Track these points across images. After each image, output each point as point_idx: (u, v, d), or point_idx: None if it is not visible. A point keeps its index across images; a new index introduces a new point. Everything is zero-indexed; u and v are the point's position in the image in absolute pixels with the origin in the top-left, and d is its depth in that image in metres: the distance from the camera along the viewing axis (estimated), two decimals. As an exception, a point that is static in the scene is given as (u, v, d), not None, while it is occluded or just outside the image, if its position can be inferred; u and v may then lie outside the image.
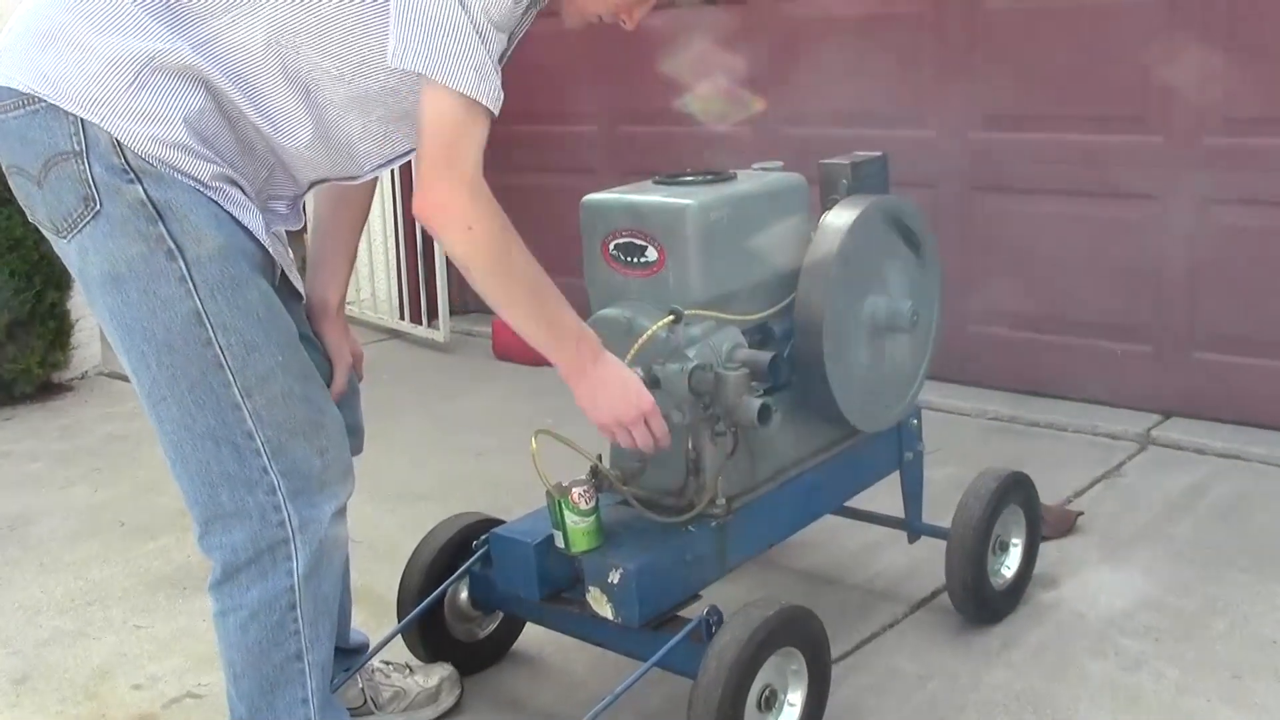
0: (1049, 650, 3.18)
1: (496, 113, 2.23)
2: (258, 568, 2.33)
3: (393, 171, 4.52)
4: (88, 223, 2.20)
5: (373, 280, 6.74)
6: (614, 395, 2.51)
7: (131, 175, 2.18)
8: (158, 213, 2.18)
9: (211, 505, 2.32)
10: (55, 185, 2.21)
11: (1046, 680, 3.05)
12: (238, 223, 2.25)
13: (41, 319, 5.56)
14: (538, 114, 6.36)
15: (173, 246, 2.19)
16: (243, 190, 2.29)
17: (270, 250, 2.32)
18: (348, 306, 6.79)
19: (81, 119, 2.17)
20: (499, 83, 2.21)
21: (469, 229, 2.24)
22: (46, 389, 5.77)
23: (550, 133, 6.36)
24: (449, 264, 6.35)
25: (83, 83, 2.17)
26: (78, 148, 2.18)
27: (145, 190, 2.18)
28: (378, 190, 2.84)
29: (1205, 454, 4.44)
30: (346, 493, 2.43)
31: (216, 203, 2.23)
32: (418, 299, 6.53)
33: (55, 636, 3.50)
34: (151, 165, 2.18)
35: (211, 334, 2.22)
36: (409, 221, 6.45)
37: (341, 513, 2.41)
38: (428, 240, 6.35)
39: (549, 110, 6.31)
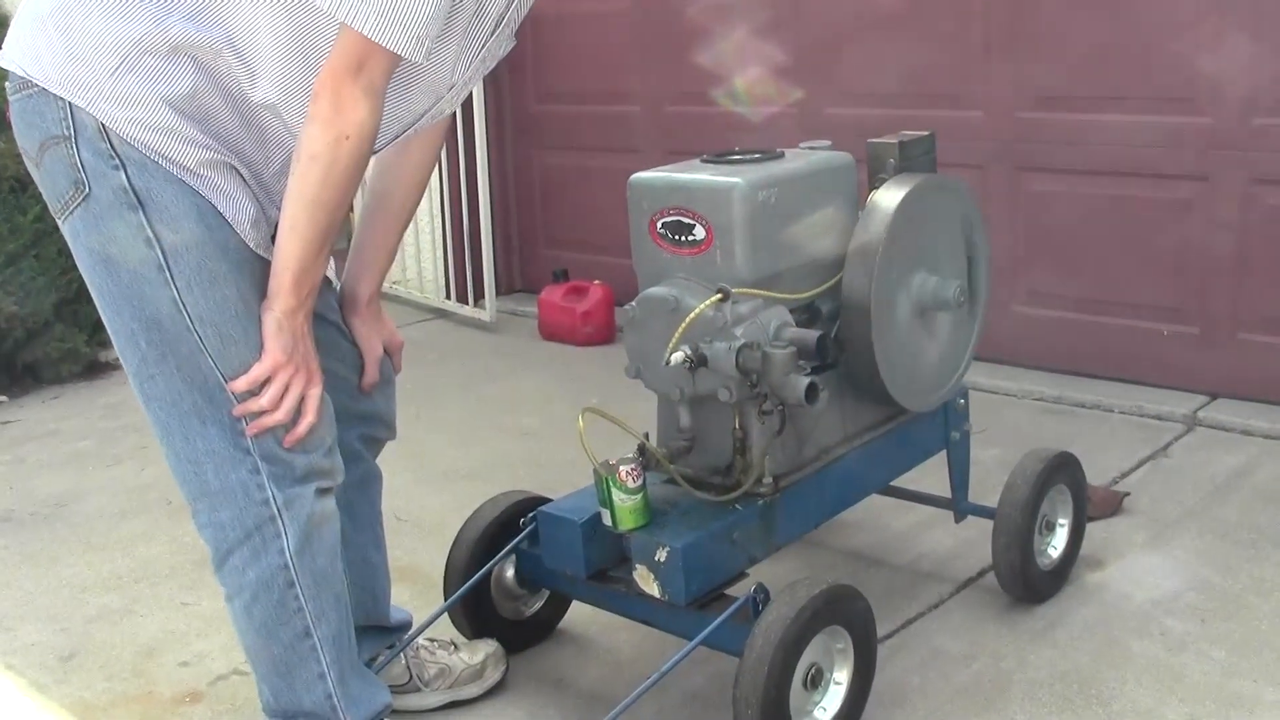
0: (1094, 630, 3.17)
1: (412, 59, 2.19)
2: (249, 548, 2.35)
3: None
4: (78, 205, 2.23)
5: (419, 259, 6.75)
6: (298, 341, 2.32)
7: (116, 161, 2.19)
8: (138, 200, 2.20)
9: (198, 483, 2.34)
10: (50, 168, 2.25)
11: (1092, 660, 3.04)
12: (221, 214, 2.25)
13: (88, 299, 5.54)
14: (584, 94, 6.39)
15: (150, 235, 2.21)
16: (241, 176, 2.29)
17: (250, 243, 2.29)
18: (393, 286, 6.81)
19: (70, 103, 2.19)
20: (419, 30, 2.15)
21: (346, 138, 2.16)
22: (93, 368, 5.79)
23: (596, 113, 6.37)
24: (495, 243, 6.38)
25: (70, 67, 2.19)
26: (67, 132, 2.20)
27: (128, 177, 2.20)
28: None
29: (1252, 435, 4.41)
30: (332, 478, 2.42)
31: (199, 192, 2.23)
32: (464, 278, 6.53)
33: (103, 614, 3.53)
34: (136, 150, 2.19)
35: (190, 322, 2.25)
36: (455, 201, 6.45)
37: (326, 490, 2.41)
38: (474, 220, 6.36)
39: (595, 91, 6.33)
